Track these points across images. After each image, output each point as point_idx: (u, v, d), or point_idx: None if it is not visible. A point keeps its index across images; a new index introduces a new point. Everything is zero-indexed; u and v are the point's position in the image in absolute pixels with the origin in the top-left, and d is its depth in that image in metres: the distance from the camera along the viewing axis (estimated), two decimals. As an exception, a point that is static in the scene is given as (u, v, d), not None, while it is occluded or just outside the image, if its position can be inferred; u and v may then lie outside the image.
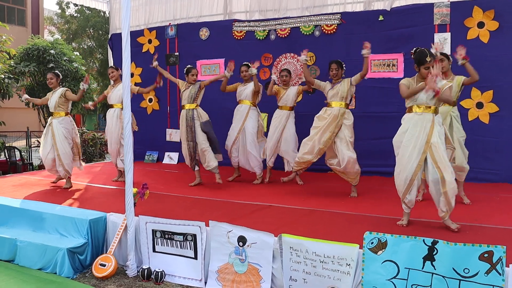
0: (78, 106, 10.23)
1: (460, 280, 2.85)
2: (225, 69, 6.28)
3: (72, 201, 5.13)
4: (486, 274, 2.78)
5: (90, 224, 4.18)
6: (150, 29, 8.83)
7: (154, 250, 4.00)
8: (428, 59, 3.82)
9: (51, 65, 9.48)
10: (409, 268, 3.01)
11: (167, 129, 8.74)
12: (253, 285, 3.50)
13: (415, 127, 3.86)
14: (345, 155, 5.09)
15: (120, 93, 5.84)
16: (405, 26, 6.59)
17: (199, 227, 3.76)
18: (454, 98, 4.92)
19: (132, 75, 8.33)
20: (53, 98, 5.90)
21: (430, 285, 2.93)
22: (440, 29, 6.46)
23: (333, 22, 7.16)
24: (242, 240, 3.58)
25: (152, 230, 3.98)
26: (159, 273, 3.79)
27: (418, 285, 2.96)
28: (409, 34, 6.56)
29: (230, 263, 3.63)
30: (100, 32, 21.90)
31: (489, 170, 6.14)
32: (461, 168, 4.80)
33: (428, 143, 3.81)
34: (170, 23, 8.68)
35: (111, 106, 6.31)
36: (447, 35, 6.40)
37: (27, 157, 10.46)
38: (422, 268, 2.98)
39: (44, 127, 8.70)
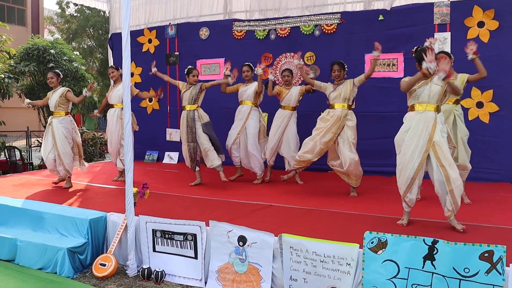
0: (78, 106, 10.23)
1: (460, 279, 2.85)
2: (225, 69, 6.27)
3: (72, 201, 5.12)
4: (486, 274, 2.78)
5: (90, 224, 4.17)
6: (150, 29, 8.83)
7: (154, 250, 4.00)
8: None
9: (51, 64, 9.48)
10: (409, 268, 3.01)
11: (167, 129, 8.74)
12: (253, 285, 3.50)
13: (418, 125, 3.85)
14: (347, 157, 5.08)
15: (120, 93, 5.84)
16: (405, 26, 6.59)
17: (199, 226, 3.76)
18: (457, 96, 4.93)
19: (132, 74, 8.33)
20: (53, 98, 5.89)
21: (431, 285, 2.93)
22: (440, 29, 6.46)
23: (333, 21, 7.17)
24: (242, 239, 3.58)
25: (152, 229, 3.98)
26: (159, 273, 3.79)
27: (419, 285, 2.96)
28: (409, 34, 6.56)
29: (230, 263, 3.63)
30: (100, 31, 21.90)
31: (489, 169, 6.14)
32: (463, 167, 4.80)
33: (430, 141, 3.79)
34: (170, 23, 8.68)
35: (112, 106, 6.30)
36: (447, 34, 6.40)
37: (27, 156, 10.46)
38: (422, 267, 2.98)
39: (44, 126, 8.72)
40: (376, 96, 6.79)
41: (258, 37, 7.75)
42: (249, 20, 7.92)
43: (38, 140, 10.62)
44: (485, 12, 6.17)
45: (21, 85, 10.10)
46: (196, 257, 3.79)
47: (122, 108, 4.65)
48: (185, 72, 6.06)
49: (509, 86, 6.10)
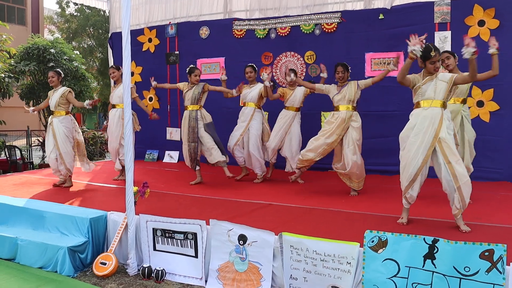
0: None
1: (460, 278, 2.85)
2: (220, 74, 6.27)
3: (73, 200, 5.12)
4: (486, 273, 2.78)
5: (90, 223, 4.18)
6: (150, 28, 8.82)
7: (154, 249, 4.00)
8: (432, 53, 3.79)
9: (51, 64, 9.48)
10: (409, 267, 3.01)
11: (167, 128, 8.74)
12: (253, 283, 3.51)
13: (423, 122, 3.82)
14: (350, 159, 5.07)
15: (121, 93, 5.83)
16: (405, 25, 6.58)
17: (200, 225, 3.76)
18: (464, 95, 4.92)
19: (132, 74, 8.33)
20: (54, 97, 5.87)
21: (431, 284, 2.93)
22: (441, 28, 6.46)
23: (333, 20, 7.16)
24: (242, 238, 3.58)
25: (153, 228, 3.98)
26: (160, 272, 3.79)
27: (419, 284, 2.96)
28: (409, 33, 6.37)
29: (231, 262, 3.63)
30: (100, 31, 21.89)
31: (489, 168, 6.13)
32: (466, 168, 4.78)
33: (436, 138, 3.76)
34: (170, 22, 8.68)
35: (114, 106, 6.30)
36: (448, 33, 6.39)
37: (27, 156, 10.46)
38: (423, 266, 2.98)
39: (45, 126, 8.73)
40: (376, 95, 6.79)
41: (258, 36, 7.75)
42: (249, 19, 7.91)
43: (38, 139, 10.62)
44: (486, 11, 6.17)
45: (21, 85, 10.10)
46: (196, 256, 3.79)
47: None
48: (187, 71, 6.04)
49: (509, 85, 6.09)
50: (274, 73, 7.62)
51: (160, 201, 4.99)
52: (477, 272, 2.81)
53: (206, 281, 3.71)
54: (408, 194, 3.94)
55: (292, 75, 5.85)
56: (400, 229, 3.75)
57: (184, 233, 3.83)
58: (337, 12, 7.19)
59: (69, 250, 3.96)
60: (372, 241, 3.14)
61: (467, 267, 2.84)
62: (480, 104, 6.27)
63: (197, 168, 6.06)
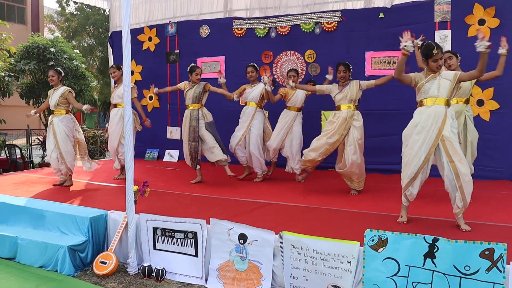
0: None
1: (461, 277, 2.85)
2: (219, 78, 6.26)
3: (73, 199, 5.12)
4: (487, 272, 2.79)
5: (90, 222, 4.18)
6: (150, 27, 8.82)
7: (154, 248, 4.00)
8: (435, 51, 3.78)
9: (51, 63, 9.48)
10: (409, 266, 3.01)
11: (167, 127, 8.74)
12: (253, 282, 3.51)
13: (427, 120, 3.80)
14: (349, 158, 5.07)
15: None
16: (405, 24, 6.55)
17: (200, 224, 3.76)
18: (467, 95, 4.92)
19: (132, 72, 8.33)
20: (54, 96, 5.86)
21: (431, 283, 2.93)
22: (441, 27, 6.45)
23: (333, 19, 7.16)
24: (242, 237, 3.58)
25: (153, 227, 3.98)
26: (160, 271, 3.79)
27: (419, 283, 2.96)
28: (409, 32, 6.53)
29: (231, 261, 3.63)
30: (100, 30, 21.85)
31: (489, 167, 6.13)
32: None
33: (439, 136, 3.75)
34: (170, 21, 8.68)
35: (115, 106, 6.30)
36: (448, 32, 6.39)
37: (27, 155, 10.46)
38: (423, 265, 2.98)
39: (45, 125, 8.73)
40: (376, 94, 6.77)
41: (259, 35, 7.74)
42: (249, 18, 7.91)
43: (38, 139, 10.63)
44: (486, 10, 6.16)
45: (21, 84, 10.10)
46: (196, 255, 3.79)
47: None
48: (188, 70, 6.02)
49: (509, 84, 6.09)
50: (274, 72, 7.62)
51: (160, 200, 4.99)
52: (477, 271, 2.81)
53: (206, 280, 3.71)
54: (408, 191, 3.94)
55: (291, 82, 5.81)
56: (400, 228, 3.75)
57: (184, 232, 3.84)
58: (337, 11, 7.19)
59: (69, 249, 3.96)
60: (372, 240, 3.14)
61: (467, 266, 2.84)
62: (480, 103, 6.27)
63: (198, 167, 6.05)
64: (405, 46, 3.78)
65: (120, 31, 5.50)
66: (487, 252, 2.81)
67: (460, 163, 3.69)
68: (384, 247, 3.10)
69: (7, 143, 9.83)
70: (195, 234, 3.79)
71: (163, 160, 8.63)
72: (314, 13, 7.37)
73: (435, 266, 2.94)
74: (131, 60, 4.08)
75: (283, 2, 7.79)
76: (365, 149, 5.30)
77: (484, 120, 6.23)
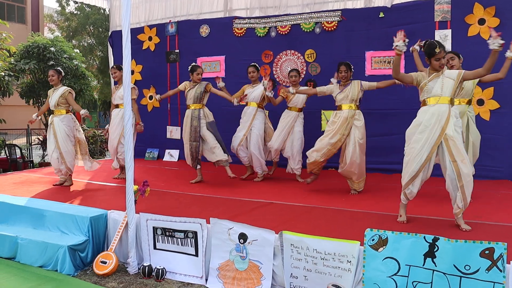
0: (78, 104, 10.22)
1: (461, 277, 2.85)
2: (217, 82, 6.25)
3: (73, 199, 5.12)
4: (487, 271, 2.79)
5: (91, 222, 4.18)
6: (150, 26, 8.82)
7: (155, 247, 4.00)
8: (437, 50, 3.77)
9: (51, 62, 9.48)
10: (410, 265, 3.01)
11: (167, 127, 8.74)
12: (253, 282, 3.51)
13: (431, 119, 3.79)
14: (349, 157, 5.07)
15: None
16: (405, 23, 6.56)
17: (200, 224, 3.76)
18: (470, 96, 4.92)
19: (132, 72, 8.33)
20: (54, 96, 5.84)
21: (431, 282, 2.93)
22: (441, 26, 6.45)
23: (333, 19, 7.16)
24: (243, 237, 3.58)
25: (153, 227, 3.98)
26: (160, 270, 3.79)
27: (419, 282, 2.96)
28: (409, 31, 6.46)
29: (231, 260, 3.63)
30: (100, 29, 21.87)
31: (489, 167, 6.13)
32: None
33: (442, 135, 3.74)
34: (170, 20, 8.67)
35: (117, 106, 6.29)
36: (448, 32, 6.39)
37: (27, 154, 10.46)
38: (423, 265, 2.98)
39: (45, 124, 8.73)
40: (377, 93, 6.75)
41: (259, 35, 7.74)
42: (249, 18, 7.91)
43: (38, 138, 10.62)
44: (486, 9, 6.16)
45: (21, 83, 10.10)
46: (196, 255, 3.79)
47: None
48: (189, 69, 6.00)
49: (509, 83, 6.08)
50: (274, 72, 7.62)
51: (160, 199, 4.99)
52: (478, 270, 2.81)
53: (206, 280, 3.71)
54: (408, 189, 3.93)
55: (291, 89, 5.78)
56: (401, 227, 3.75)
57: (185, 231, 3.84)
58: (337, 10, 7.19)
59: (70, 249, 3.96)
60: (373, 240, 3.14)
61: (467, 265, 2.85)
62: (480, 102, 6.27)
63: (198, 167, 6.05)
64: (396, 46, 3.77)
65: (120, 31, 5.50)
66: (487, 252, 2.81)
67: (462, 163, 3.68)
68: (384, 247, 3.10)
69: (7, 142, 9.83)
70: (195, 233, 3.79)
71: (163, 159, 8.63)
72: (314, 12, 7.36)
73: (435, 266, 2.94)
74: (131, 59, 4.08)
75: (283, 2, 7.79)
76: (366, 149, 5.29)
77: (484, 120, 6.22)
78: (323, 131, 5.48)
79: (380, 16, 6.83)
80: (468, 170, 3.69)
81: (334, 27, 7.16)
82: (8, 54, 9.54)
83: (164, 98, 6.48)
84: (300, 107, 6.12)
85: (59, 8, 23.33)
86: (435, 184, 4.68)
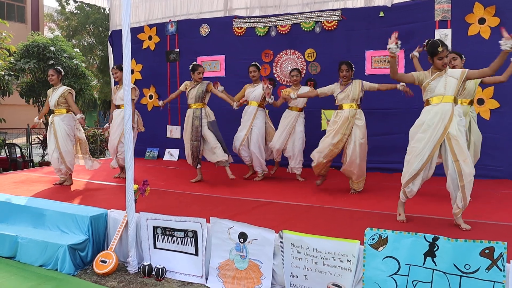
0: (78, 104, 10.22)
1: (461, 276, 2.85)
2: (217, 87, 6.23)
3: (73, 198, 5.12)
4: (487, 270, 2.79)
5: (91, 221, 4.18)
6: (150, 26, 8.81)
7: (155, 247, 4.00)
8: (440, 49, 3.76)
9: (51, 62, 9.47)
10: (410, 264, 3.02)
11: (167, 126, 8.74)
12: (253, 281, 3.51)
13: (434, 118, 3.78)
14: (349, 156, 5.07)
15: None
16: (406, 22, 6.57)
17: (200, 223, 3.77)
18: (472, 96, 4.92)
19: (132, 71, 8.33)
20: (54, 96, 5.84)
21: (431, 281, 2.94)
22: (441, 25, 6.44)
23: (333, 18, 7.15)
24: (243, 236, 3.58)
25: (153, 226, 3.98)
26: (160, 270, 3.80)
27: (419, 281, 2.96)
28: (410, 31, 6.54)
29: (231, 260, 3.63)
30: (100, 28, 21.83)
31: (489, 166, 6.12)
32: None
33: (444, 134, 3.73)
34: (170, 20, 8.67)
35: (118, 106, 6.29)
36: (448, 31, 6.38)
37: (27, 154, 10.46)
38: (423, 264, 2.98)
39: (45, 124, 8.72)
40: (376, 93, 6.75)
41: (259, 34, 7.74)
42: (249, 17, 7.91)
43: (38, 137, 10.62)
44: (486, 9, 6.15)
45: (21, 83, 10.09)
46: (196, 254, 3.79)
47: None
48: (190, 69, 5.98)
49: (510, 83, 6.06)
50: (274, 71, 7.62)
51: (161, 199, 4.99)
52: (478, 269, 2.82)
53: (206, 279, 3.72)
54: (408, 188, 3.93)
55: (292, 95, 5.76)
56: (401, 226, 3.75)
57: (185, 231, 3.84)
58: (337, 9, 7.19)
59: (70, 248, 3.96)
60: (373, 239, 3.14)
61: (467, 264, 2.85)
62: (480, 102, 6.27)
63: (198, 166, 6.05)
64: (389, 48, 3.77)
65: (120, 30, 5.49)
66: (487, 251, 2.81)
67: (464, 163, 3.67)
68: (384, 246, 3.10)
69: (7, 142, 9.83)
70: (195, 233, 3.79)
71: (163, 159, 8.63)
72: (314, 12, 7.36)
73: (435, 265, 2.94)
74: (131, 59, 4.08)
75: (283, 1, 7.78)
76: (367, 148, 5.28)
77: (484, 119, 6.22)
78: (323, 130, 5.48)
79: (380, 15, 6.83)
80: (470, 170, 3.68)
81: (334, 26, 7.16)
82: (8, 53, 9.53)
83: (168, 102, 6.48)
84: (301, 106, 6.12)
85: (59, 8, 23.29)
86: (435, 183, 4.68)
